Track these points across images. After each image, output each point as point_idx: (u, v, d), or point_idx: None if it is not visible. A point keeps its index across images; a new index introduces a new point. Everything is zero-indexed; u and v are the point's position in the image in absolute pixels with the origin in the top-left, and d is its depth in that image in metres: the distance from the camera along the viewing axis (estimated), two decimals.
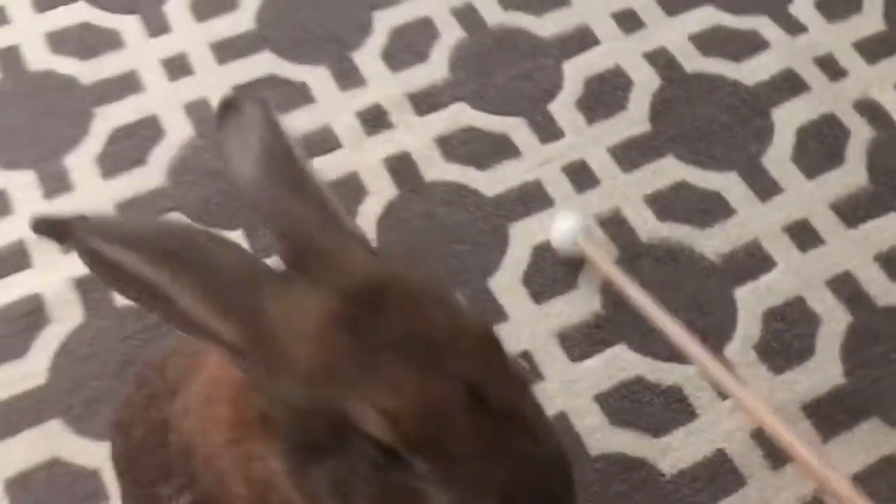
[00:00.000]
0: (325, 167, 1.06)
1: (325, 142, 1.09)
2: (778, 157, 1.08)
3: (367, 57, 1.16)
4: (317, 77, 1.14)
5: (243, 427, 0.50)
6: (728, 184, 1.06)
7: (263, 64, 1.15)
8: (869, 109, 1.12)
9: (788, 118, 1.11)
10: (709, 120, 1.11)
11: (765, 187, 1.06)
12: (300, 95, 1.12)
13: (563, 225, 0.99)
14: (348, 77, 1.14)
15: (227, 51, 1.16)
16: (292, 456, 0.47)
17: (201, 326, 0.47)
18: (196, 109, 1.11)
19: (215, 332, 0.47)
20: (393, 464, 0.44)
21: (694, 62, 1.16)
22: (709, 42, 1.18)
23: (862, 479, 0.88)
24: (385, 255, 0.58)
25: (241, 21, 1.19)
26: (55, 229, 0.48)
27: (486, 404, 0.44)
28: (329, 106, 1.12)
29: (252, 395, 0.49)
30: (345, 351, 0.44)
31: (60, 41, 1.17)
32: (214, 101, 1.11)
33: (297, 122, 1.09)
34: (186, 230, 0.49)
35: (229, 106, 0.56)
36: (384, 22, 1.19)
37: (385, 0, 1.20)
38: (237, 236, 1.02)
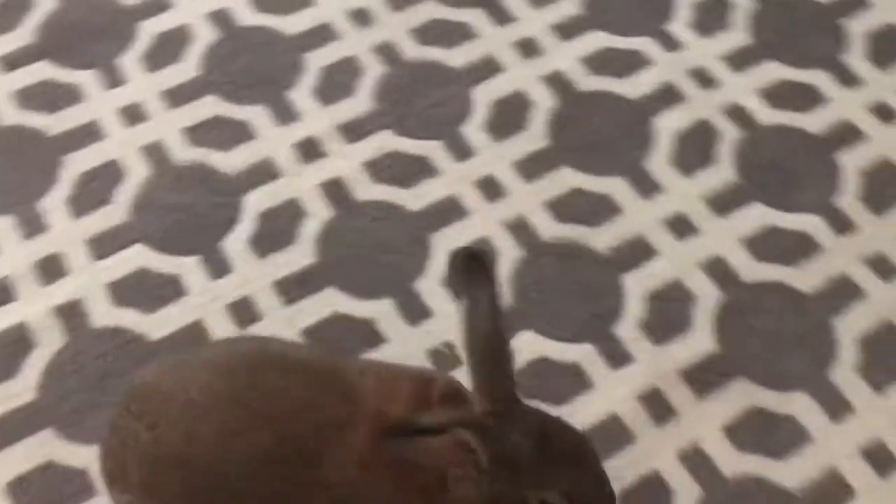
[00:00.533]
0: (268, 195, 1.23)
1: (266, 172, 1.25)
2: (658, 161, 1.26)
3: (300, 94, 1.32)
4: (257, 115, 1.30)
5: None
6: (615, 186, 1.24)
7: (209, 106, 1.31)
8: (736, 113, 1.30)
9: (667, 125, 1.29)
10: (598, 132, 1.29)
11: (647, 187, 1.24)
12: (243, 132, 1.28)
13: None
14: (284, 113, 1.30)
15: (176, 97, 1.32)
16: None
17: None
18: (152, 151, 1.27)
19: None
20: None
21: (585, 82, 1.33)
22: (598, 62, 1.35)
23: (730, 429, 1.06)
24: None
25: (186, 69, 1.34)
26: None
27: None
28: (269, 140, 1.28)
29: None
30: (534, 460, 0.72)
31: (27, 97, 1.31)
32: (168, 144, 1.27)
33: (241, 157, 1.26)
34: None
35: (474, 258, 0.74)
36: (314, 62, 1.35)
37: (313, 42, 1.37)
38: (195, 261, 1.18)
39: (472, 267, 0.73)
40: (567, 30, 1.38)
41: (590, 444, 0.78)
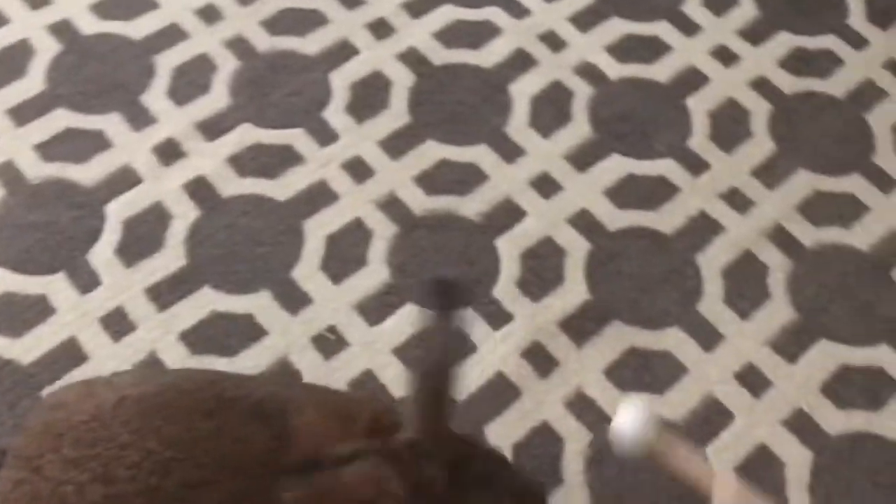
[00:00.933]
0: (130, 202, 1.20)
1: (126, 180, 1.22)
2: (518, 125, 1.29)
3: (154, 97, 1.29)
4: (111, 123, 1.27)
5: None
6: (480, 154, 1.26)
7: (59, 120, 1.27)
8: (587, 71, 1.35)
9: (523, 90, 1.32)
10: (458, 103, 1.31)
11: (510, 152, 1.27)
12: (98, 142, 1.25)
13: (629, 418, 0.81)
14: (139, 118, 1.27)
15: (23, 113, 1.27)
16: None
17: None
18: (3, 171, 1.22)
19: None
20: None
21: (440, 55, 1.35)
22: (451, 36, 1.37)
23: (610, 371, 1.10)
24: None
25: (31, 85, 1.30)
26: None
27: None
28: (126, 147, 1.25)
29: None
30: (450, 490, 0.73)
31: None
32: (19, 162, 1.22)
33: (98, 167, 1.22)
34: None
35: (448, 288, 0.74)
36: (165, 64, 1.33)
37: (162, 44, 1.34)
38: (60, 278, 1.14)
39: (442, 296, 0.73)
40: (417, 7, 1.40)
41: (509, 466, 0.80)
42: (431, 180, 1.24)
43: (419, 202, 1.22)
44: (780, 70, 1.36)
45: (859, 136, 1.30)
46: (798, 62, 1.37)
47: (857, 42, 1.39)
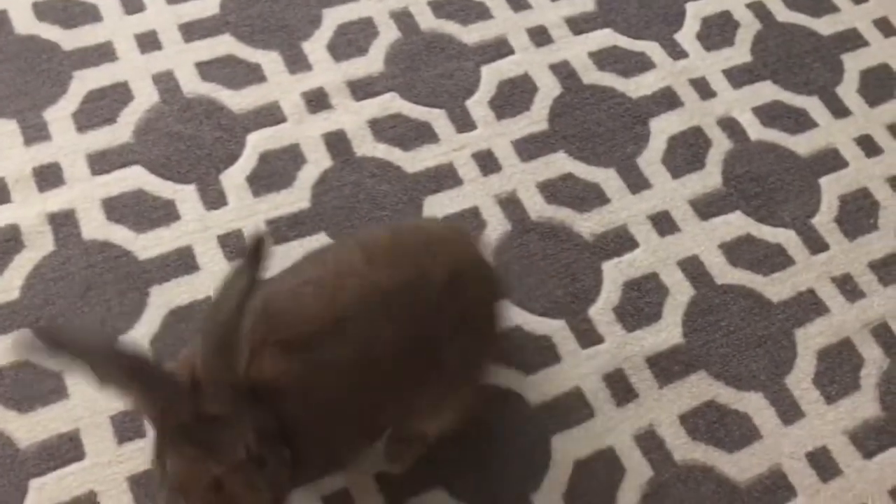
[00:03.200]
0: (271, 137, 1.25)
1: (272, 116, 1.27)
2: (650, 159, 1.30)
3: (315, 47, 1.35)
4: (269, 60, 1.33)
5: None
6: (606, 177, 1.28)
7: (223, 45, 1.33)
8: (729, 126, 1.35)
9: (663, 127, 1.34)
10: (597, 124, 1.33)
11: (636, 182, 1.28)
12: (254, 75, 1.31)
13: None
14: (297, 62, 1.33)
15: (193, 31, 1.34)
16: None
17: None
18: (162, 79, 1.29)
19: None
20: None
21: (590, 75, 1.38)
22: (605, 59, 1.40)
23: (686, 417, 1.10)
24: None
25: (206, 6, 1.36)
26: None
27: None
28: (278, 86, 1.30)
29: None
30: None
31: (45, 10, 1.33)
32: (178, 75, 1.29)
33: (249, 98, 1.28)
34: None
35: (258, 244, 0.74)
36: (331, 18, 1.38)
37: (349, 1, 1.40)
38: (191, 190, 1.20)
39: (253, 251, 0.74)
40: (580, 24, 1.43)
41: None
42: (554, 190, 1.26)
43: (537, 208, 1.24)
44: None
45: None
46: None
47: None
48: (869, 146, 1.37)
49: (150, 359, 0.75)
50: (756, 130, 1.36)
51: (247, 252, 0.73)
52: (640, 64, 1.40)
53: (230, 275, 0.73)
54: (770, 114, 1.38)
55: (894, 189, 1.33)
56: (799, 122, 1.38)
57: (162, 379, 0.74)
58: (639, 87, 1.37)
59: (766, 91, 1.40)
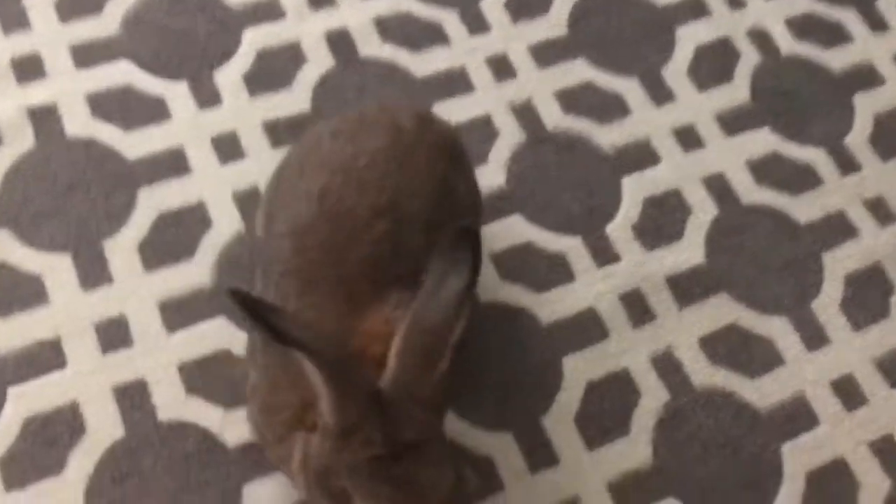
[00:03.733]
0: (270, 33, 1.16)
1: (270, 11, 1.18)
2: (675, 70, 1.22)
3: None
4: None
5: None
6: (628, 88, 1.20)
7: None
8: (759, 38, 1.26)
9: (690, 36, 1.25)
10: (620, 31, 1.24)
11: (660, 94, 1.20)
12: None
13: None
14: None
15: None
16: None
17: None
18: None
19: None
20: None
21: None
22: None
23: (706, 341, 1.04)
24: None
25: None
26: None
27: None
28: None
29: None
30: None
31: None
32: None
33: None
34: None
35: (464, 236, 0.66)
36: None
37: None
38: (182, 87, 1.11)
39: (457, 244, 0.65)
40: None
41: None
42: (572, 99, 1.18)
43: (554, 118, 1.16)
44: None
45: None
46: None
47: None
48: None
49: (353, 359, 0.64)
50: (788, 43, 1.27)
51: (462, 241, 0.62)
52: None
53: (441, 266, 0.63)
54: (803, 26, 1.29)
55: None
56: (834, 35, 1.29)
57: (363, 389, 0.62)
58: None
59: (800, 2, 1.31)
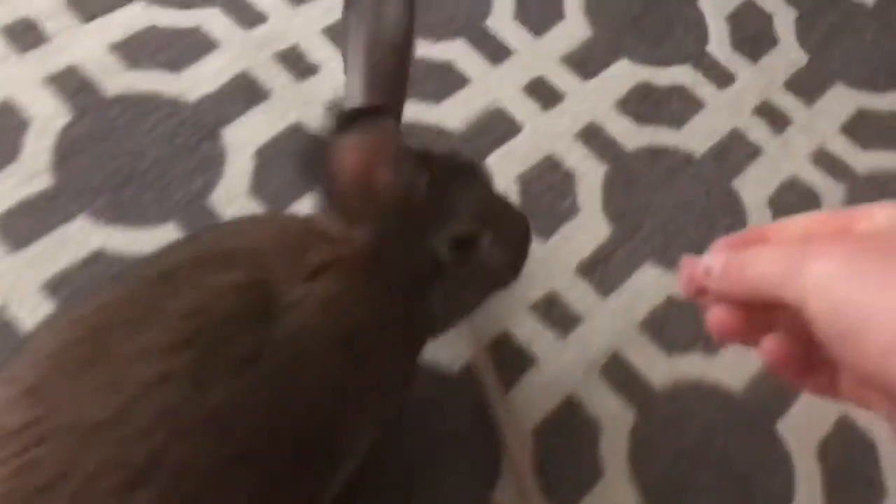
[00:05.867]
0: None
1: None
2: (499, 23, 1.01)
3: None
4: None
5: None
6: (459, 53, 0.97)
7: None
8: None
9: None
10: None
11: (493, 53, 0.98)
12: None
13: None
14: None
15: None
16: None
17: None
18: None
19: None
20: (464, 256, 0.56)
21: None
22: None
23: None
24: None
25: None
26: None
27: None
28: None
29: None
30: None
31: None
32: None
33: None
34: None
35: None
36: None
37: None
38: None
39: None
40: None
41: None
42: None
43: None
44: None
45: None
46: None
47: None
48: None
49: None
50: None
51: None
52: None
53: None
54: None
55: None
56: None
57: None
58: None
59: None
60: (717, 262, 0.41)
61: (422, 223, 0.54)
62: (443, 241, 0.55)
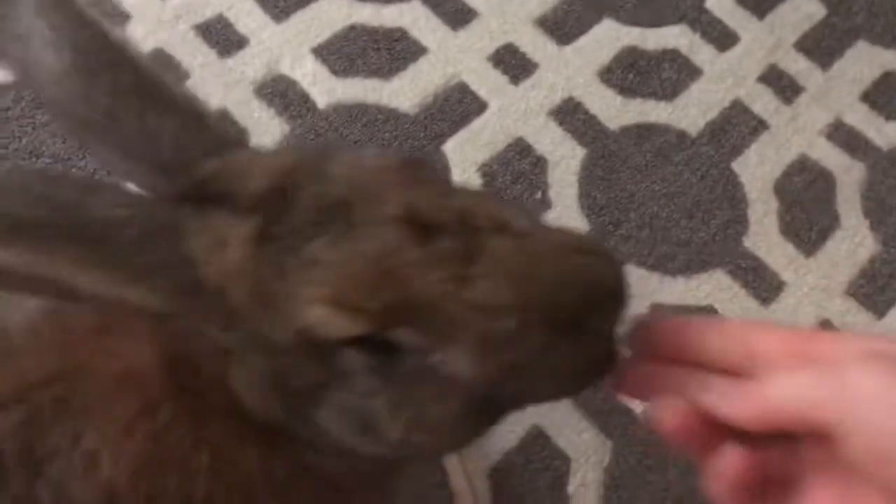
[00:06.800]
0: None
1: None
2: None
3: None
4: None
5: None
6: (412, 17, 0.84)
7: None
8: None
9: None
10: None
11: (457, 17, 0.85)
12: None
13: None
14: None
15: None
16: (286, 411, 0.38)
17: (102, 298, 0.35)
18: None
19: (124, 300, 0.35)
20: (387, 362, 0.35)
21: None
22: None
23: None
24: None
25: None
26: None
27: (437, 225, 0.34)
28: None
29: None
30: (274, 268, 0.35)
31: None
32: None
33: None
34: (50, 185, 0.34)
35: None
36: None
37: None
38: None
39: None
40: None
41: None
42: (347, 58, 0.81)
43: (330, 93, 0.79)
44: None
45: None
46: None
47: None
48: None
49: None
50: None
51: None
52: None
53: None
54: None
55: None
56: None
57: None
58: None
59: None
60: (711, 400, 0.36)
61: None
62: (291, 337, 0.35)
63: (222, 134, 0.39)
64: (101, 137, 0.37)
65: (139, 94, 0.37)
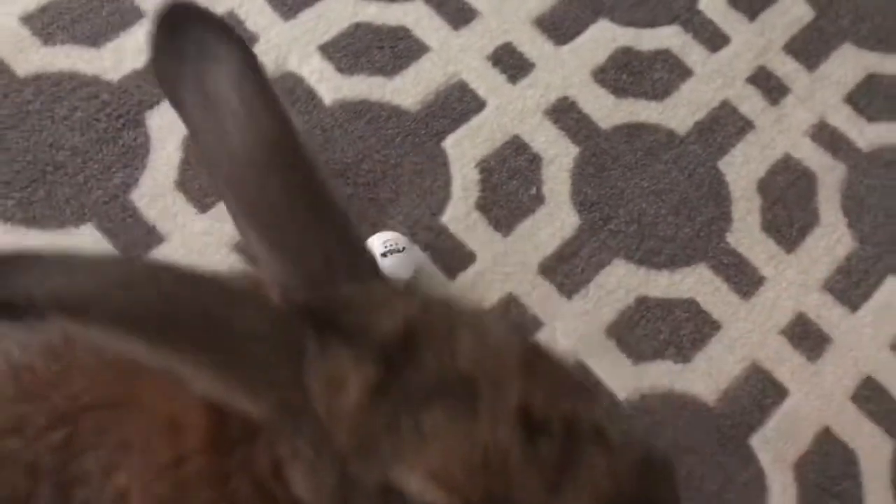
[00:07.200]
0: None
1: None
2: None
3: None
4: None
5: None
6: (416, 16, 0.87)
7: None
8: None
9: None
10: None
11: (459, 17, 0.88)
12: None
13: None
14: None
15: None
16: None
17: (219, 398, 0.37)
18: None
19: (237, 405, 0.37)
20: None
21: None
22: None
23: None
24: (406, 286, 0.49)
25: None
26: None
27: (544, 426, 0.37)
28: None
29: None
30: (385, 420, 0.37)
31: None
32: None
33: None
34: (191, 287, 0.36)
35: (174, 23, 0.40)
36: None
37: None
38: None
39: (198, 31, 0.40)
40: None
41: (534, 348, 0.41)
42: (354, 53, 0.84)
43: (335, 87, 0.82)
44: None
45: None
46: None
47: None
48: None
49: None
50: None
51: None
52: None
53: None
54: None
55: None
56: None
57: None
58: None
59: None
60: None
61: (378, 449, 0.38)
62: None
63: (366, 258, 0.41)
64: (256, 222, 0.39)
65: (308, 200, 0.39)
